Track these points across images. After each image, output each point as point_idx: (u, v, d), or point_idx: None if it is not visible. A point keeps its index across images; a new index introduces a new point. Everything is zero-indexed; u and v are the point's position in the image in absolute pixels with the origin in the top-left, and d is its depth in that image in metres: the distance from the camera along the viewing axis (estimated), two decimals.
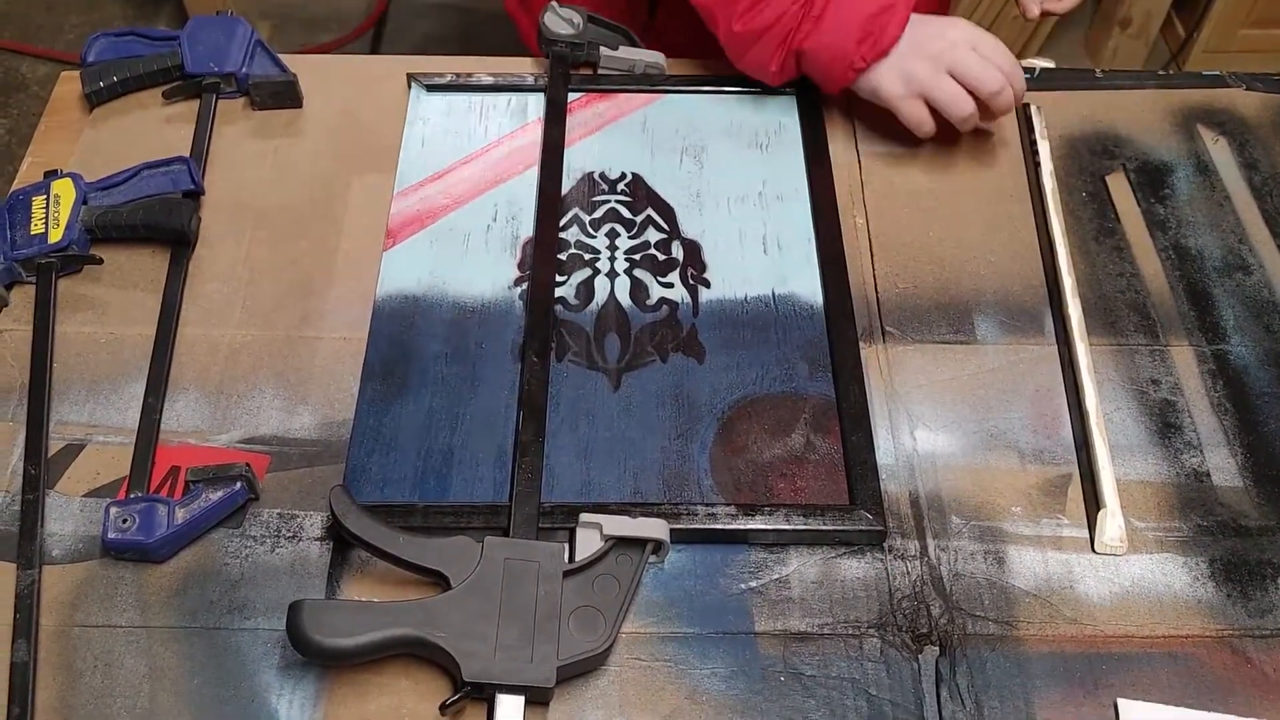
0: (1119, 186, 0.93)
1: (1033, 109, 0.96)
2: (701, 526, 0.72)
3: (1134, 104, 0.99)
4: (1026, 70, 1.01)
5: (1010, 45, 2.67)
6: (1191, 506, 0.75)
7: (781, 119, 0.96)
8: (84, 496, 0.74)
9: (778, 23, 0.88)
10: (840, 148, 0.95)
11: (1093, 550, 0.73)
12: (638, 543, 0.70)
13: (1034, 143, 0.94)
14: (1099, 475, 0.75)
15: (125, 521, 0.70)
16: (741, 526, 0.72)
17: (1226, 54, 2.42)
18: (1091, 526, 0.74)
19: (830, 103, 0.97)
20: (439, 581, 0.68)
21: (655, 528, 0.70)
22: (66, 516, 0.73)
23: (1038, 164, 0.92)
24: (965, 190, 0.92)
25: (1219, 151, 0.96)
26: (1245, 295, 0.86)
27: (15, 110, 2.37)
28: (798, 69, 0.92)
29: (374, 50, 2.44)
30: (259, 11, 2.44)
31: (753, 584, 0.71)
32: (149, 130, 0.95)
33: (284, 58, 0.98)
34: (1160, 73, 1.02)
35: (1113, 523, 0.73)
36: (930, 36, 0.88)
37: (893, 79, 0.89)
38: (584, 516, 0.70)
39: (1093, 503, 0.74)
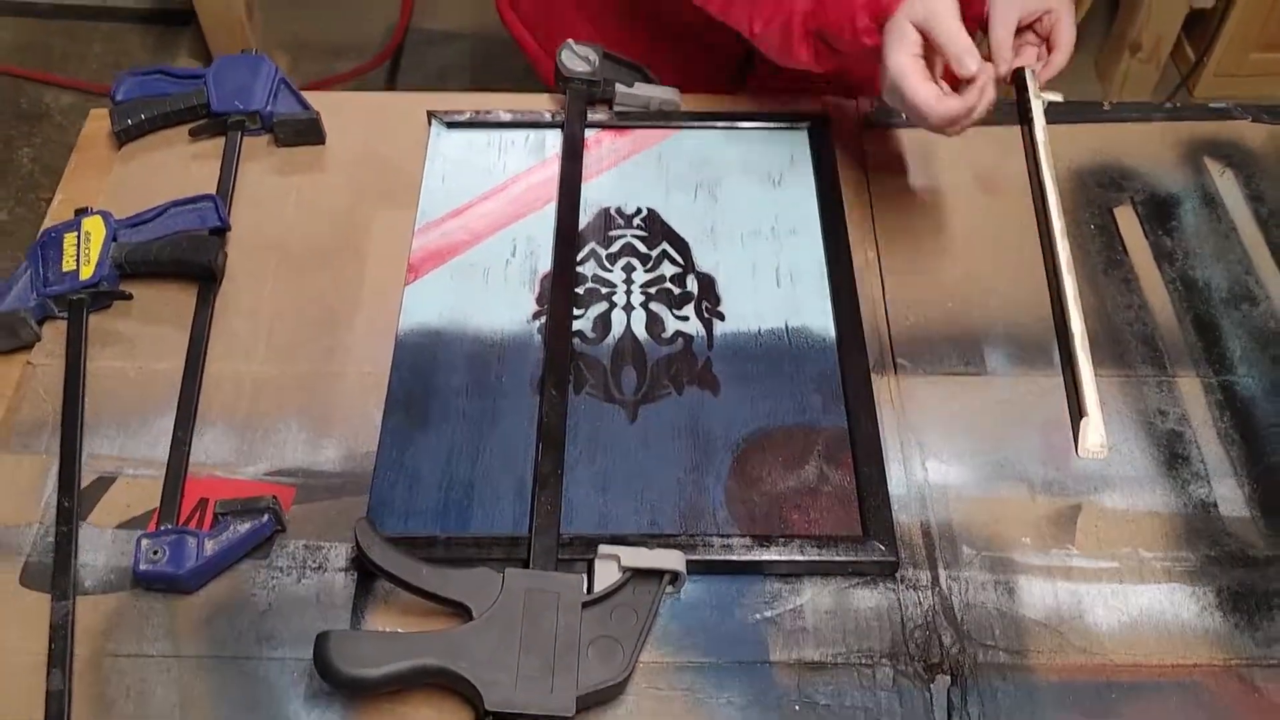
0: (1127, 219, 0.95)
1: (1027, 72, 0.97)
2: (717, 558, 0.73)
3: (1141, 136, 1.01)
4: None
5: None
6: (1199, 537, 0.76)
7: (794, 153, 0.98)
8: (115, 528, 0.76)
9: (793, 12, 0.87)
10: (851, 182, 0.96)
11: (1076, 454, 0.79)
12: (655, 574, 0.71)
13: (1027, 102, 0.95)
14: (1081, 384, 0.79)
15: (156, 553, 0.72)
16: (756, 558, 0.73)
17: (1237, 78, 2.44)
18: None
19: (842, 138, 0.99)
20: (461, 612, 0.69)
21: (672, 559, 0.71)
22: (99, 548, 0.75)
23: (1030, 122, 0.94)
24: (974, 223, 0.94)
25: (1226, 183, 0.97)
26: (1252, 326, 0.88)
27: (39, 139, 2.41)
28: (832, 54, 0.89)
29: (391, 78, 2.47)
30: (277, 42, 2.47)
31: (767, 614, 0.73)
32: (176, 167, 0.97)
33: (306, 94, 1.00)
34: (1168, 105, 1.04)
35: (1094, 431, 0.78)
36: None
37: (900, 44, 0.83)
38: (602, 548, 0.72)
39: (1076, 412, 0.78)
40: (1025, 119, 0.98)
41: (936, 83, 0.83)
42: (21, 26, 2.67)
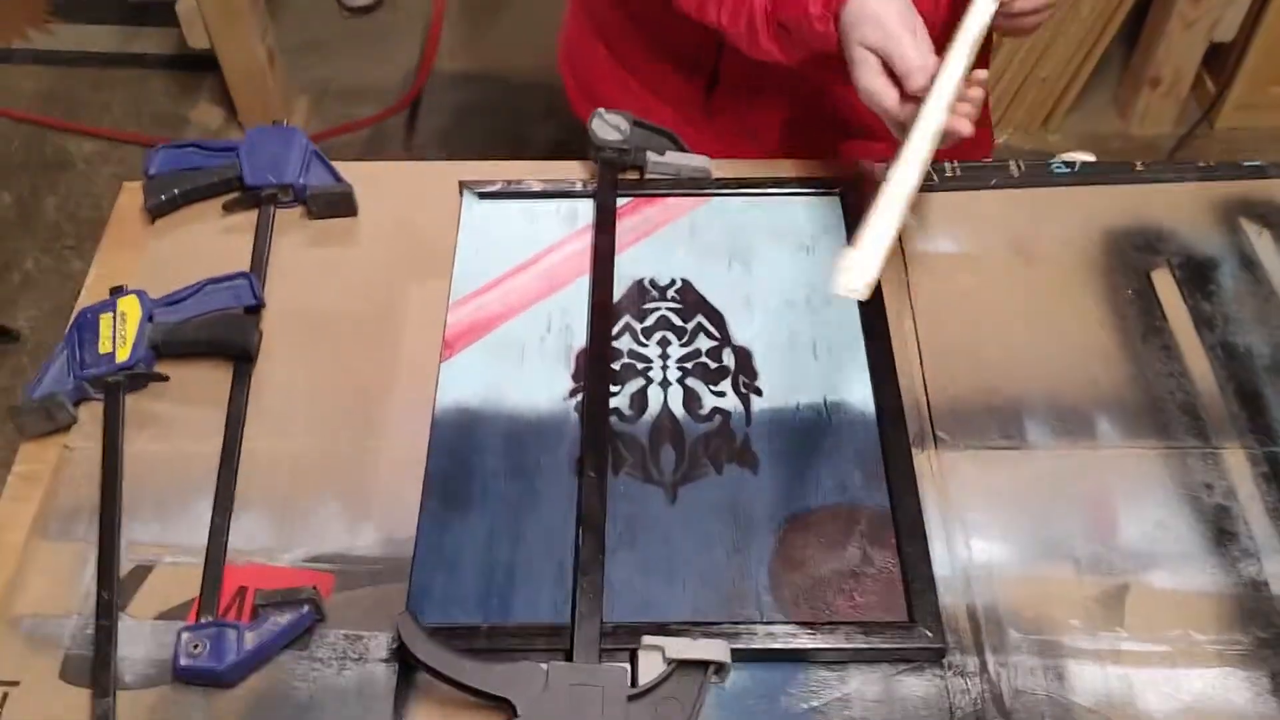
0: (1164, 283, 0.94)
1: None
2: (762, 646, 0.72)
3: (1175, 197, 1.00)
4: (1066, 164, 1.02)
5: (1039, 107, 2.67)
6: (1251, 618, 0.75)
7: (826, 221, 0.97)
8: (155, 619, 0.76)
9: (755, 6, 0.89)
10: None
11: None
12: (700, 664, 0.70)
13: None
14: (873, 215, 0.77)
15: (196, 647, 0.72)
16: (802, 645, 0.72)
17: (1257, 109, 2.43)
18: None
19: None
20: (505, 708, 0.69)
21: (717, 649, 0.71)
22: (138, 640, 0.75)
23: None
24: (1010, 289, 0.93)
25: (1263, 244, 0.97)
26: None
27: (63, 188, 2.42)
28: (796, 45, 0.91)
29: (410, 122, 2.49)
30: (298, 87, 2.49)
31: (814, 703, 0.72)
32: (209, 241, 0.97)
33: (338, 165, 1.00)
34: (1200, 164, 1.03)
35: (850, 270, 0.75)
36: None
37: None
38: (646, 639, 0.71)
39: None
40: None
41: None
42: (44, 75, 2.70)
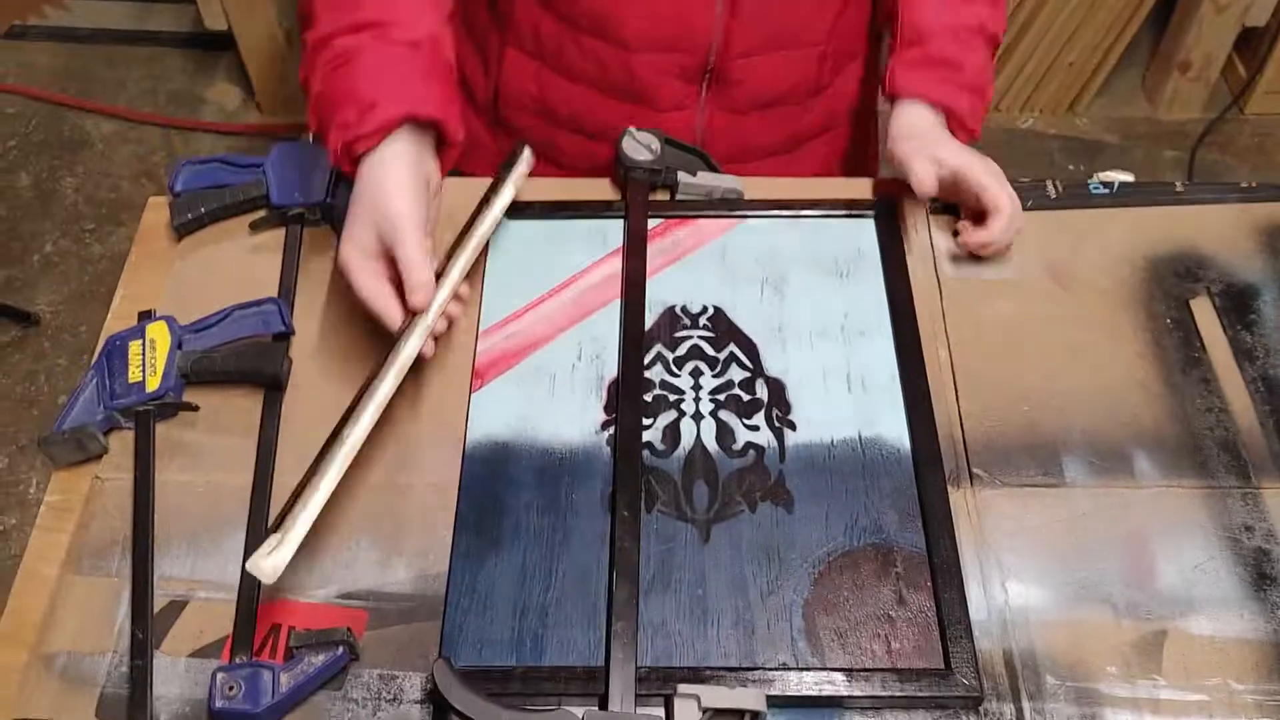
0: (1204, 312, 0.92)
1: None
2: (796, 693, 0.72)
3: (1216, 220, 0.99)
4: (1105, 184, 1.01)
5: (1067, 91, 2.66)
6: None
7: (860, 244, 0.96)
8: (189, 657, 0.76)
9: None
10: (920, 272, 0.94)
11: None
12: (735, 712, 0.70)
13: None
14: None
15: (231, 689, 0.72)
16: (837, 693, 0.72)
17: None
18: None
19: (909, 224, 0.97)
20: None
21: (752, 699, 0.70)
22: (172, 679, 0.75)
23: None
24: (1047, 317, 0.92)
25: None
26: None
27: (81, 168, 2.41)
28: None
29: None
30: None
31: None
32: (237, 261, 0.97)
33: None
34: (1242, 185, 1.01)
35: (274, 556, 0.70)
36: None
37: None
38: (681, 688, 0.71)
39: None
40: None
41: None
42: (60, 52, 2.68)
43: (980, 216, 0.94)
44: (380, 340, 0.90)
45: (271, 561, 0.70)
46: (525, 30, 1.06)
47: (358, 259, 0.82)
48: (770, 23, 1.02)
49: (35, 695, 0.74)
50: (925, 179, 0.92)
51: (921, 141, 0.94)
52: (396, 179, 0.82)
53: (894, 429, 0.85)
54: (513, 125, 1.13)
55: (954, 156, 0.93)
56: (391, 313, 0.81)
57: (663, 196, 1.00)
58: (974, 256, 0.95)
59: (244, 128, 2.50)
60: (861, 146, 1.21)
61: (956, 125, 0.98)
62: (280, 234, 0.98)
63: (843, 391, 0.87)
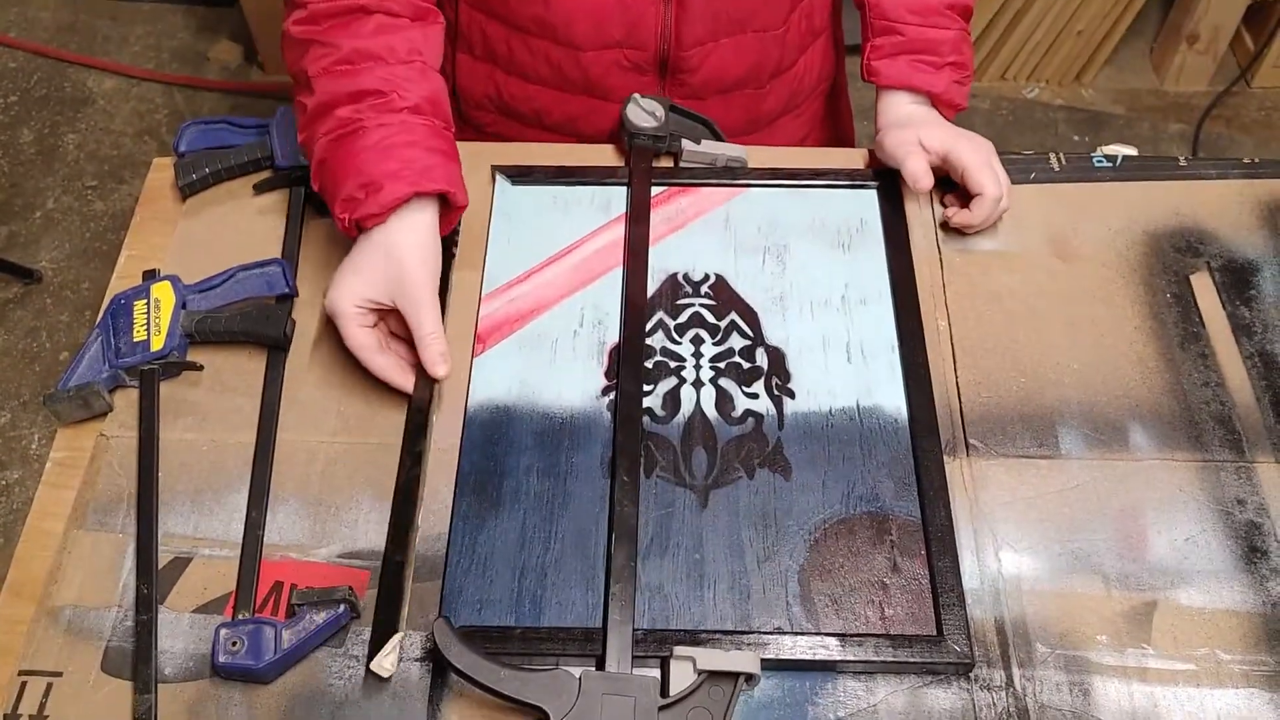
0: (1204, 287, 0.93)
1: None
2: (790, 657, 0.73)
3: (1218, 195, 0.99)
4: (1108, 158, 1.01)
5: (1074, 61, 2.64)
6: (1278, 638, 0.75)
7: (863, 215, 0.96)
8: (193, 612, 0.77)
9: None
10: (921, 244, 0.95)
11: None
12: (730, 675, 0.71)
13: None
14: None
15: (235, 644, 0.73)
16: (831, 657, 0.73)
17: None
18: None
19: (912, 198, 0.97)
20: (539, 712, 0.70)
21: (748, 661, 0.71)
22: (177, 634, 0.76)
23: None
24: (1047, 290, 0.93)
25: None
26: None
27: (83, 125, 2.41)
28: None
29: None
30: None
31: (840, 714, 0.73)
32: (241, 222, 0.97)
33: None
34: (1246, 160, 1.01)
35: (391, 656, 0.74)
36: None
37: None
38: (678, 650, 0.72)
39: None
40: None
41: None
42: (61, 6, 2.67)
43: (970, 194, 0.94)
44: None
45: (390, 659, 0.73)
46: (474, 37, 1.05)
47: (354, 311, 0.83)
48: (720, 11, 1.01)
49: (41, 648, 0.75)
50: (920, 178, 0.92)
51: (909, 130, 0.95)
52: (410, 247, 0.83)
53: (892, 399, 0.85)
54: (476, 122, 1.12)
55: (940, 141, 0.94)
56: (397, 379, 0.85)
57: (666, 163, 1.00)
58: (978, 231, 0.95)
59: (247, 85, 2.49)
60: (833, 120, 1.21)
61: (941, 105, 0.99)
62: (284, 195, 0.98)
63: (842, 361, 0.88)
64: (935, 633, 0.75)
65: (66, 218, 2.25)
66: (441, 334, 0.84)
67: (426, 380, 0.84)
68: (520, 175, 0.98)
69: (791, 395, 0.86)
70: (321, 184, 0.86)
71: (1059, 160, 1.00)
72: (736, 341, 0.89)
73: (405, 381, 0.85)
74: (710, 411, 0.85)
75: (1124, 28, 2.32)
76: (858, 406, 0.85)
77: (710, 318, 0.90)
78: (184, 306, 0.88)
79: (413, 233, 0.83)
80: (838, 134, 1.22)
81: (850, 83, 1.21)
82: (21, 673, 0.74)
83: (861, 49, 1.01)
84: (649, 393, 0.85)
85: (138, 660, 0.74)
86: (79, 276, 2.16)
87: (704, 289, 0.91)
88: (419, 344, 0.83)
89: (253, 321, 0.87)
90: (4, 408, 1.98)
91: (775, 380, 0.86)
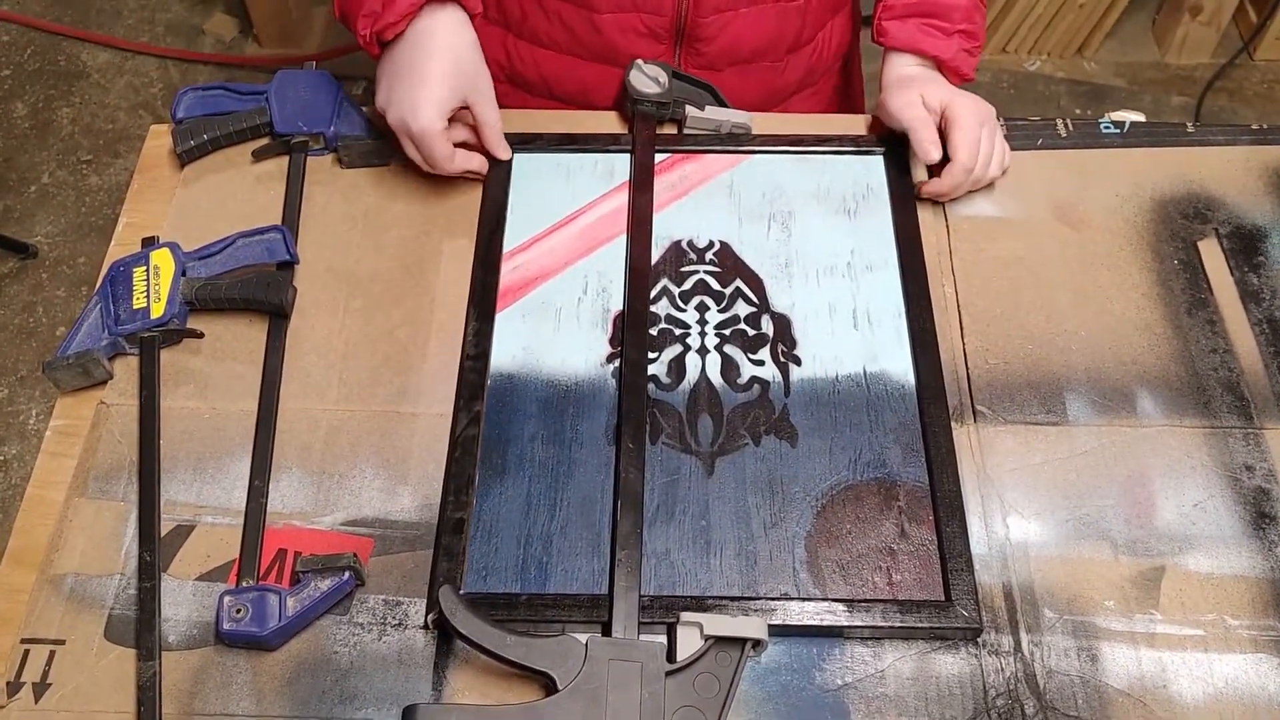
0: (1211, 254, 0.92)
1: None
2: (798, 623, 0.73)
3: (1226, 162, 0.98)
4: (1116, 124, 1.00)
5: (1075, 34, 2.63)
6: None
7: (869, 181, 0.95)
8: (196, 580, 0.76)
9: None
10: (928, 211, 0.94)
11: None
12: (737, 640, 0.71)
13: None
14: None
15: (239, 612, 0.72)
16: (838, 623, 0.73)
17: None
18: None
19: (918, 164, 0.96)
20: (545, 678, 0.70)
21: (754, 627, 0.71)
22: (180, 601, 0.75)
23: None
24: (1054, 257, 0.92)
25: None
26: None
27: (77, 99, 2.39)
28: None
29: None
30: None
31: (849, 679, 0.72)
32: (240, 189, 0.96)
33: (370, 111, 0.98)
34: (1254, 127, 1.01)
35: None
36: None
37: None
38: (684, 616, 0.72)
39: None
40: None
41: None
42: None
43: None
44: (385, 278, 0.90)
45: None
46: None
47: (440, 124, 0.87)
48: None
49: (44, 616, 0.74)
50: (930, 150, 0.91)
51: (911, 90, 0.93)
52: (468, 45, 0.87)
53: (899, 365, 0.85)
54: None
55: (940, 99, 0.92)
56: (476, 165, 0.92)
57: (670, 130, 0.99)
58: (982, 195, 0.94)
59: (242, 59, 2.47)
60: (845, 98, 1.20)
61: (948, 71, 0.98)
62: (283, 162, 0.97)
63: (848, 327, 0.87)
64: (943, 598, 0.74)
65: (61, 192, 2.23)
66: (500, 122, 0.91)
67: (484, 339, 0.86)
68: (523, 143, 0.97)
69: (798, 362, 0.85)
70: (343, 10, 0.90)
71: (1066, 126, 1.00)
72: (742, 308, 0.88)
73: (483, 165, 0.93)
74: (716, 378, 0.84)
75: (1126, 0, 2.31)
76: (864, 373, 0.84)
77: (715, 284, 0.89)
78: (184, 274, 0.87)
79: (455, 33, 0.87)
80: (849, 108, 1.20)
81: (862, 56, 1.19)
82: (24, 640, 0.73)
83: (874, 8, 1.00)
84: (654, 360, 0.85)
85: (141, 628, 0.73)
86: (75, 251, 2.15)
87: (709, 256, 0.91)
88: (486, 132, 0.91)
89: (253, 289, 0.86)
90: (1, 383, 1.97)
91: (781, 347, 0.86)
